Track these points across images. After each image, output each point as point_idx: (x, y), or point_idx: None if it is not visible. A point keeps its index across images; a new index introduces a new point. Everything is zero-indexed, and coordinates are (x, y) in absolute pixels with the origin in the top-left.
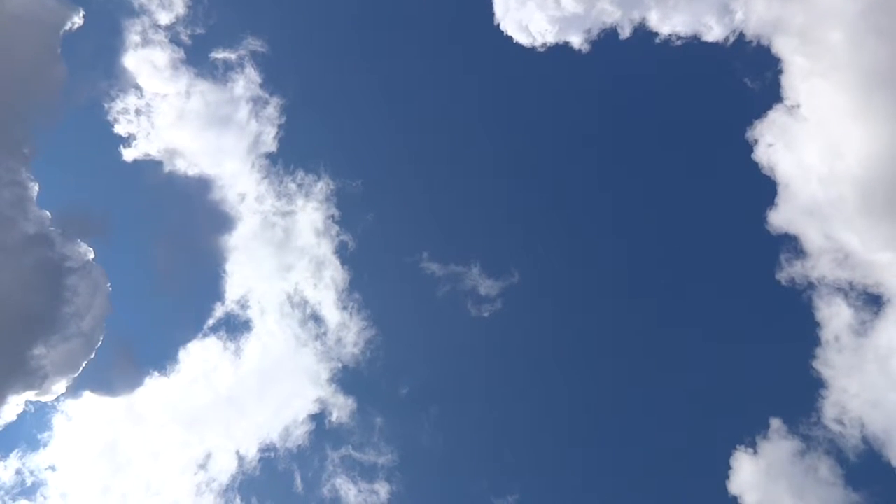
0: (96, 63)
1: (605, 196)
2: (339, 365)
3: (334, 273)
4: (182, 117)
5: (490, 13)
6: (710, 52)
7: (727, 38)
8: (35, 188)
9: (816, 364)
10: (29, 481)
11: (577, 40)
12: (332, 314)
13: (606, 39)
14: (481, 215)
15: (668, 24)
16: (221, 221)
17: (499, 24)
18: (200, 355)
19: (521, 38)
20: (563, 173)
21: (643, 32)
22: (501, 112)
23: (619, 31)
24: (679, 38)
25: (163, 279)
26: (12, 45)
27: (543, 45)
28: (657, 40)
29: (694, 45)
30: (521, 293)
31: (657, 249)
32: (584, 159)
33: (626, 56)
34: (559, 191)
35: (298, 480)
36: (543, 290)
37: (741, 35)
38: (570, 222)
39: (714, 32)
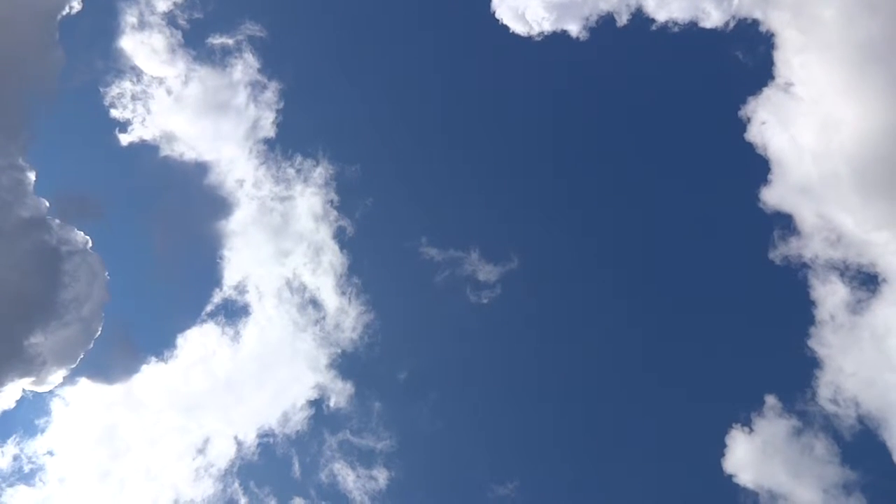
0: (94, 48)
1: (603, 181)
2: (338, 350)
3: (333, 258)
4: (179, 102)
5: (486, 1)
6: (707, 37)
7: (727, 24)
8: (32, 174)
9: (811, 343)
10: (27, 467)
11: (574, 28)
12: (331, 299)
13: (604, 26)
14: (480, 201)
15: (665, 10)
16: (219, 207)
17: (495, 13)
18: (199, 341)
19: (518, 27)
20: (560, 160)
21: (640, 19)
22: (500, 100)
23: (617, 17)
24: (676, 24)
25: (160, 265)
26: (10, 29)
27: (540, 33)
28: (654, 27)
29: (692, 32)
30: (520, 279)
31: (653, 231)
32: (581, 146)
33: (623, 43)
34: (558, 177)
35: (297, 465)
36: (542, 275)
37: (738, 18)
38: (568, 208)
39: (712, 18)
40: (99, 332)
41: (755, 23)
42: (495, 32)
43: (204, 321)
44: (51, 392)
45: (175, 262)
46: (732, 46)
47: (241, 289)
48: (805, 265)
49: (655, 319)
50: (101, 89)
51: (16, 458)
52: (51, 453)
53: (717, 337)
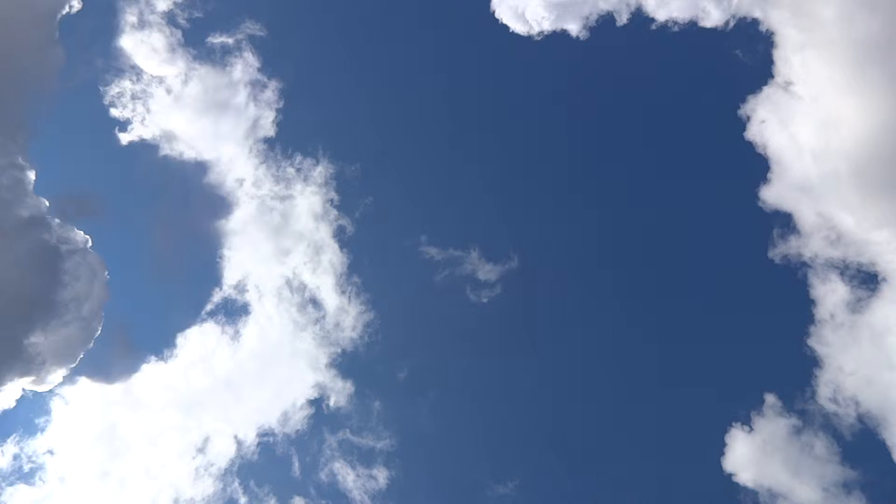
0: (94, 47)
1: (603, 181)
2: (338, 349)
3: (333, 257)
4: (179, 101)
5: (486, 1)
6: (707, 36)
7: (726, 23)
8: (32, 173)
9: (811, 342)
10: (27, 466)
11: (574, 27)
12: (331, 298)
13: (604, 26)
14: (480, 200)
15: (665, 9)
16: (219, 206)
17: (494, 12)
18: (198, 340)
19: (518, 27)
20: (560, 159)
21: (640, 18)
22: (500, 100)
23: (616, 17)
24: (676, 23)
25: (160, 264)
26: (10, 29)
27: (540, 32)
28: (654, 26)
29: (692, 31)
30: (520, 278)
31: (652, 230)
32: (581, 146)
33: (623, 43)
34: (557, 176)
35: (297, 465)
36: (542, 275)
37: (737, 17)
38: (568, 207)
39: (712, 17)
40: (99, 332)
41: (755, 22)
42: (495, 32)
43: (204, 320)
44: (51, 391)
45: (175, 262)
46: (732, 45)
47: (240, 288)
48: (805, 264)
49: (655, 318)
50: (101, 88)
51: (16, 457)
52: (51, 452)
53: (717, 336)
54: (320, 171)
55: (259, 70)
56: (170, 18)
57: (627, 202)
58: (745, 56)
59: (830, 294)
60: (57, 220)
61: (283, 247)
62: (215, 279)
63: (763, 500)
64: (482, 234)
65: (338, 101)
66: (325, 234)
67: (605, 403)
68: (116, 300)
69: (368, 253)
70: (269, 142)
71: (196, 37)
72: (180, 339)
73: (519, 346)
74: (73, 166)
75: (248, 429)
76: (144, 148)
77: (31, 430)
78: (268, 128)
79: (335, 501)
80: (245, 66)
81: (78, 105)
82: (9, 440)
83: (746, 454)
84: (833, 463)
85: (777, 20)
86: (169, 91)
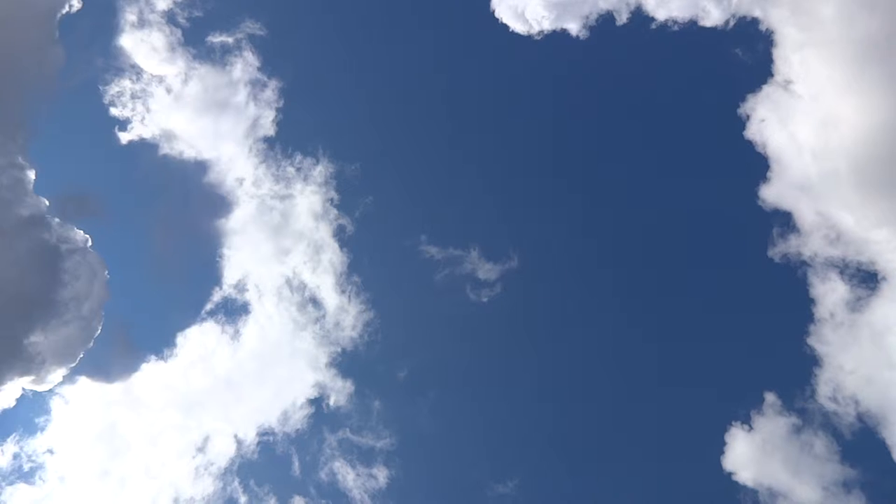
0: (94, 46)
1: (603, 180)
2: (338, 348)
3: (332, 256)
4: (179, 101)
5: (486, 0)
6: (707, 35)
7: (726, 22)
8: (32, 173)
9: (811, 341)
10: (27, 466)
11: (574, 27)
12: (331, 298)
13: (604, 25)
14: (480, 199)
15: (664, 8)
16: (219, 205)
17: (494, 11)
18: (198, 340)
19: (517, 26)
20: (560, 158)
21: (640, 18)
22: (500, 99)
23: (616, 16)
24: (676, 22)
25: (160, 264)
26: (10, 28)
27: (540, 32)
28: (654, 25)
29: (692, 30)
30: (519, 277)
31: (652, 229)
32: (581, 145)
33: (623, 42)
34: (557, 175)
35: (296, 464)
36: (542, 274)
37: (737, 17)
38: (568, 206)
39: (712, 16)
40: (99, 331)
41: (754, 21)
42: (495, 31)
43: (204, 320)
44: (51, 391)
45: (175, 261)
46: (732, 44)
47: (240, 287)
48: (804, 263)
49: (655, 317)
50: (101, 88)
51: (16, 456)
52: (51, 452)
53: (717, 335)
54: (320, 171)
55: (259, 69)
56: (170, 17)
57: (627, 201)
58: (745, 55)
59: (830, 293)
60: (57, 220)
61: (283, 246)
62: (215, 279)
63: (763, 499)
64: (482, 234)
65: (338, 101)
66: (325, 233)
67: (604, 403)
68: (116, 300)
69: (368, 252)
70: (268, 141)
71: (196, 36)
72: (180, 339)
73: (519, 346)
74: (73, 166)
75: (248, 428)
76: (144, 147)
77: (30, 429)
78: (268, 127)
79: (335, 501)
80: (245, 66)
81: (78, 105)
82: (9, 439)
83: (746, 453)
84: (833, 462)
85: (777, 19)
86: (169, 90)
